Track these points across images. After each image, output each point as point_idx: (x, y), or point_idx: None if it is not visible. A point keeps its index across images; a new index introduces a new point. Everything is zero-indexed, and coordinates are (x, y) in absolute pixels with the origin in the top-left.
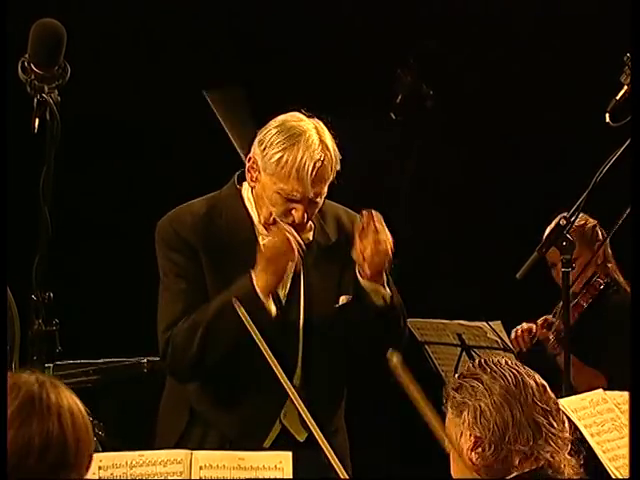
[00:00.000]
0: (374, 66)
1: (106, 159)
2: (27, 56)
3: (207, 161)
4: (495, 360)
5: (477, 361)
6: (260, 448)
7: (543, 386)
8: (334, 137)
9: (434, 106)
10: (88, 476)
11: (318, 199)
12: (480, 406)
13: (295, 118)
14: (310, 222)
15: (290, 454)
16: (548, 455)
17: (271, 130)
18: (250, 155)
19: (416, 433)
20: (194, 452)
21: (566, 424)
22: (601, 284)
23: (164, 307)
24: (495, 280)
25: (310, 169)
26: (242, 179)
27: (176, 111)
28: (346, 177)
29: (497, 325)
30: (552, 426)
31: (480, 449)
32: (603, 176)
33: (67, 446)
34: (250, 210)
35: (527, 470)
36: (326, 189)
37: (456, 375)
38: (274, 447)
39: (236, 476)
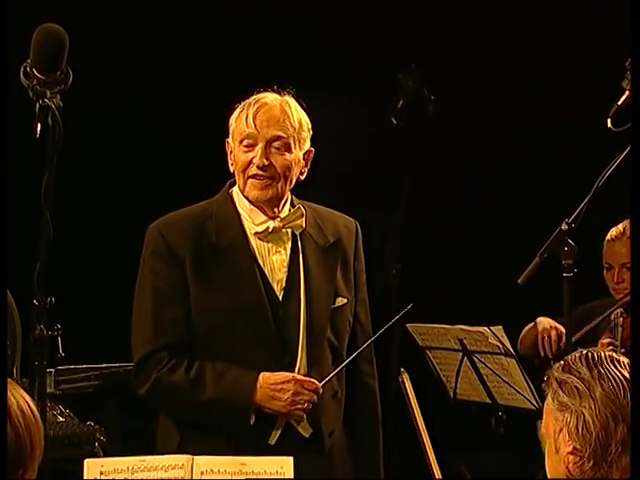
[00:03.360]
0: (375, 71)
1: (108, 163)
2: (29, 61)
3: (211, 164)
4: (602, 357)
5: (584, 352)
6: (265, 445)
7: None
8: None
9: (435, 111)
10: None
11: (279, 146)
12: (584, 415)
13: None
14: (301, 208)
15: (291, 459)
16: None
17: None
18: (227, 139)
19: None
20: (195, 457)
21: None
22: None
23: (139, 319)
24: (497, 285)
25: (260, 109)
26: (233, 184)
27: (178, 113)
28: (347, 180)
29: (499, 330)
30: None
31: (579, 460)
32: (605, 181)
33: (22, 446)
34: (240, 213)
35: None
36: (291, 142)
37: (561, 362)
38: (279, 443)
39: None
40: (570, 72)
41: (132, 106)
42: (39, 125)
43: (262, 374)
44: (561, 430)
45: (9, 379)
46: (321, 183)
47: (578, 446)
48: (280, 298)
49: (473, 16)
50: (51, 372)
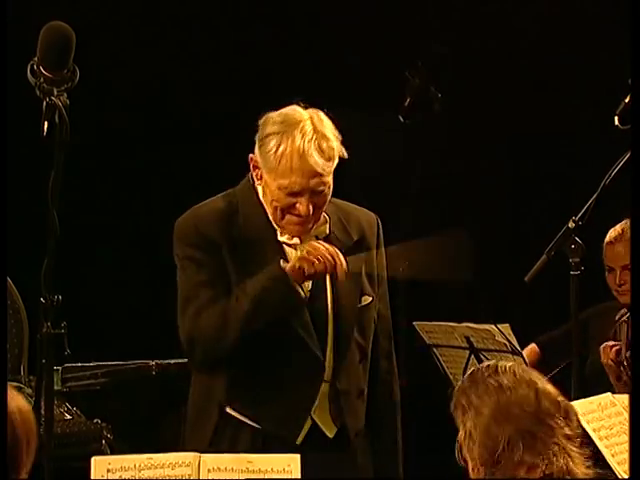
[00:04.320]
0: (382, 69)
1: (116, 162)
2: (36, 59)
3: (217, 164)
4: (487, 371)
5: (470, 373)
6: (292, 445)
7: (536, 390)
8: (338, 129)
9: (442, 109)
10: (97, 479)
11: (322, 189)
12: (470, 429)
13: (290, 110)
14: (324, 215)
15: (298, 457)
16: (562, 462)
17: (267, 125)
18: (251, 155)
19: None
20: (202, 455)
21: (573, 419)
22: None
23: (184, 297)
24: (505, 283)
25: (305, 160)
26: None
27: (182, 113)
28: (355, 177)
29: (505, 328)
30: (551, 428)
31: (477, 470)
32: (613, 179)
33: (19, 446)
34: (266, 206)
35: (537, 478)
36: (330, 179)
37: (454, 388)
38: (304, 443)
39: (245, 478)
40: (578, 69)
41: (139, 103)
42: (46, 123)
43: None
44: (460, 444)
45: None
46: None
47: (469, 457)
48: (307, 298)
49: (479, 14)
50: (58, 370)
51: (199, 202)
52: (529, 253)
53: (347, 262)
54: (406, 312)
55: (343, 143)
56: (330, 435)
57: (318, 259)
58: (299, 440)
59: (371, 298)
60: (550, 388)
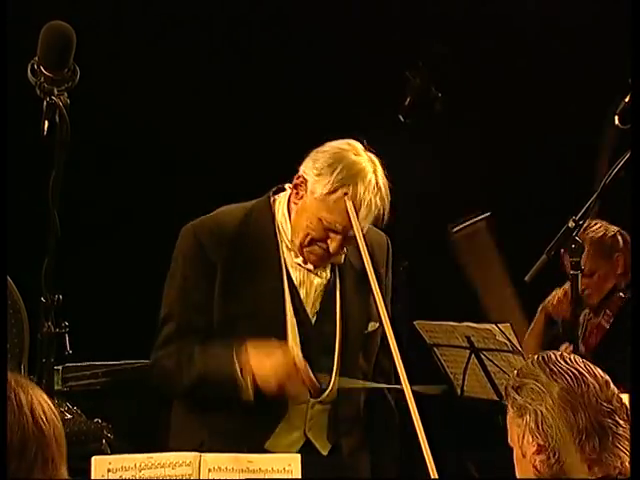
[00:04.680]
0: (382, 69)
1: (118, 161)
2: (37, 59)
3: (217, 165)
4: (554, 357)
5: (536, 357)
6: None
7: (606, 382)
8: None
9: (442, 109)
10: (97, 478)
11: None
12: (541, 412)
13: (354, 151)
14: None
15: (299, 456)
16: (618, 462)
17: (328, 158)
18: (300, 174)
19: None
20: (203, 454)
21: (626, 416)
22: (622, 298)
23: (163, 314)
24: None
25: (359, 210)
26: (277, 192)
27: (186, 113)
28: None
29: (506, 327)
30: (618, 426)
31: (544, 456)
32: (613, 178)
33: (46, 441)
34: (278, 227)
35: (598, 477)
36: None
37: (515, 371)
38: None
39: (245, 478)
40: (578, 69)
41: (140, 104)
42: (46, 123)
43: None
44: (524, 434)
45: (26, 379)
46: None
47: (541, 442)
48: (313, 322)
49: (480, 14)
50: (59, 369)
51: (199, 202)
52: (529, 252)
53: (358, 287)
54: (407, 311)
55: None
56: (324, 452)
57: (278, 386)
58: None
59: (377, 324)
60: (610, 382)
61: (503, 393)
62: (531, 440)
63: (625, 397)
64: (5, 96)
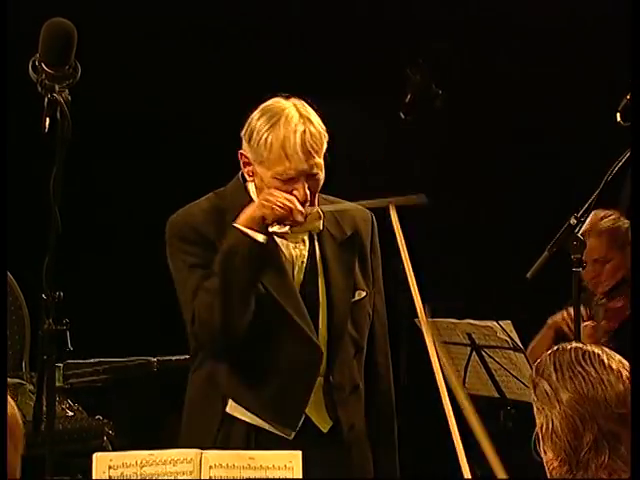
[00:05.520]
0: (384, 65)
1: (117, 158)
2: (38, 55)
3: (218, 161)
4: (568, 356)
5: (554, 351)
6: (284, 440)
7: (623, 383)
8: (323, 119)
9: (443, 105)
10: (98, 475)
11: (316, 172)
12: (552, 420)
13: (272, 101)
14: (318, 211)
15: (300, 453)
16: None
17: (252, 119)
18: (241, 151)
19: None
20: (204, 451)
21: None
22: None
23: (185, 296)
24: (506, 280)
25: (296, 143)
26: (246, 178)
27: (186, 110)
28: (356, 176)
29: (507, 325)
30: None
31: (556, 464)
32: (614, 176)
33: None
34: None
35: None
36: (321, 161)
37: (535, 364)
38: (297, 438)
39: (246, 475)
40: (579, 66)
41: (141, 101)
42: (48, 119)
43: None
44: (541, 434)
45: None
46: (330, 180)
47: (551, 453)
48: (298, 291)
49: (480, 10)
50: (60, 366)
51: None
52: (531, 250)
53: (340, 256)
54: (407, 310)
55: (344, 139)
56: (324, 429)
57: (277, 205)
58: (291, 435)
59: (365, 293)
60: (624, 375)
61: (505, 390)
62: (543, 445)
63: None
64: (6, 93)
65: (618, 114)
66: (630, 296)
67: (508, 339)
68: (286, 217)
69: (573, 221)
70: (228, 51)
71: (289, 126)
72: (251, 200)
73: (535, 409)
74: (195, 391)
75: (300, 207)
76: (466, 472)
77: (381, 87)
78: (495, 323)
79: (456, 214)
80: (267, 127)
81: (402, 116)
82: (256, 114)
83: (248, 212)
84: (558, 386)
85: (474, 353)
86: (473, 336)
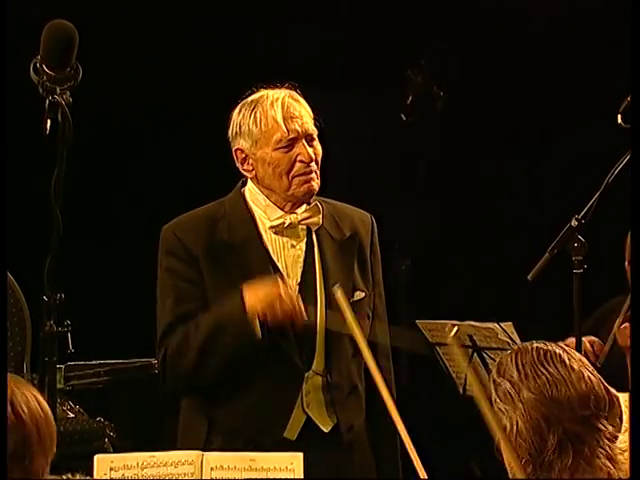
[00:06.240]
0: (385, 67)
1: (119, 160)
2: (39, 57)
3: (218, 161)
4: (530, 357)
5: (515, 352)
6: (284, 440)
7: (585, 384)
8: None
9: (445, 107)
10: (100, 477)
11: (311, 133)
12: (517, 422)
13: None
14: (318, 204)
15: (301, 455)
16: (600, 462)
17: (233, 115)
18: (234, 148)
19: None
20: (205, 453)
21: (617, 412)
22: None
23: (161, 313)
24: (507, 281)
25: (282, 107)
26: (244, 184)
27: (186, 110)
28: (356, 177)
29: (508, 326)
30: (598, 430)
31: (520, 468)
32: (615, 177)
33: (26, 434)
34: (253, 210)
35: None
36: (314, 129)
37: (495, 364)
38: (299, 438)
39: (247, 477)
40: (580, 68)
41: (141, 101)
42: (49, 121)
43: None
44: (505, 435)
45: (18, 377)
46: (331, 180)
47: (519, 452)
48: (296, 293)
49: (482, 12)
50: (61, 368)
51: (205, 202)
52: (532, 251)
53: (338, 256)
54: (408, 311)
55: (343, 140)
56: (326, 429)
57: (282, 311)
58: (292, 435)
59: (364, 294)
60: (594, 378)
61: None
62: (503, 445)
63: (623, 396)
64: (7, 95)
65: (619, 116)
66: (630, 296)
67: (509, 340)
68: (288, 320)
69: (574, 222)
70: (228, 51)
71: (270, 99)
72: (247, 206)
73: (497, 410)
74: (184, 406)
75: (304, 313)
76: (422, 473)
77: (381, 87)
78: (496, 324)
79: (457, 214)
80: (250, 111)
81: (403, 117)
82: (235, 111)
83: (257, 299)
84: (521, 386)
85: (475, 355)
86: (474, 338)
